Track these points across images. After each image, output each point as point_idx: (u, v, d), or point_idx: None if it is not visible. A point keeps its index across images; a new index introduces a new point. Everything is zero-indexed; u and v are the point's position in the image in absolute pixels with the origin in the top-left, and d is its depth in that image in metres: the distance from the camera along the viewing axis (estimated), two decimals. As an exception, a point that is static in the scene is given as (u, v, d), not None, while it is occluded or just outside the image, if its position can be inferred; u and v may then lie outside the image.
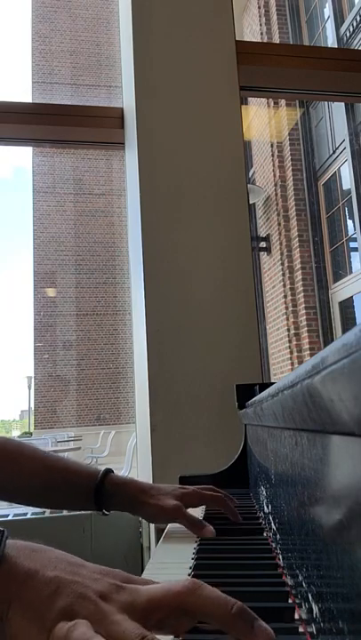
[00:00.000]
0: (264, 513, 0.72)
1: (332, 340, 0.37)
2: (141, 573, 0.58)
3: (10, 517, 1.54)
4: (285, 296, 6.76)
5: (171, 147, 1.65)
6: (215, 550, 0.63)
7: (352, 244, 6.28)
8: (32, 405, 7.64)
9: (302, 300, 6.56)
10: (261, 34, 7.44)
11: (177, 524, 0.76)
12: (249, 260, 1.63)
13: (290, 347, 6.59)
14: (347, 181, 6.17)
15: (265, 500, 0.70)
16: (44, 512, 1.48)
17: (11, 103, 1.79)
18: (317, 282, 6.54)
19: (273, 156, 7.13)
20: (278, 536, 0.58)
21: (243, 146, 1.72)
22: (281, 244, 6.89)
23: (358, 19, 5.83)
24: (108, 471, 0.77)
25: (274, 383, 0.52)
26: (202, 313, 1.56)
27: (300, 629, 0.40)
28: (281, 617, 0.42)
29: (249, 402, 0.83)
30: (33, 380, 7.60)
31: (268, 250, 7.21)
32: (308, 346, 6.43)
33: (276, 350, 6.93)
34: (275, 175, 7.08)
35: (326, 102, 6.24)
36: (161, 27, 1.72)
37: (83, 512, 1.30)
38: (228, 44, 1.75)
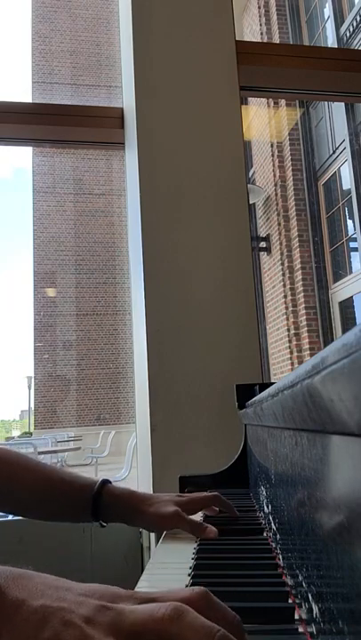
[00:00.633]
0: (264, 513, 0.72)
1: (332, 340, 0.37)
2: (141, 573, 0.58)
3: (10, 517, 1.54)
4: (285, 296, 6.76)
5: (171, 147, 1.65)
6: (215, 550, 0.63)
7: (352, 244, 6.28)
8: (32, 405, 7.65)
9: (302, 300, 6.56)
10: (261, 34, 7.44)
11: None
12: (249, 260, 1.63)
13: (290, 347, 6.59)
14: (347, 181, 6.17)
15: (265, 500, 0.70)
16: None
17: (11, 103, 1.78)
18: (317, 282, 6.54)
19: (273, 155, 7.14)
20: (278, 536, 0.58)
21: (243, 146, 1.72)
22: (281, 244, 6.89)
23: (358, 19, 5.83)
24: (106, 482, 0.76)
25: (274, 383, 0.52)
26: (202, 313, 1.56)
27: (300, 629, 0.40)
28: (282, 617, 0.42)
29: (249, 402, 0.83)
30: (33, 379, 7.61)
31: (268, 250, 7.21)
32: (308, 346, 6.43)
33: (276, 350, 6.93)
34: (275, 175, 7.08)
35: (326, 102, 6.24)
36: (161, 27, 1.72)
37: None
38: (228, 44, 1.75)
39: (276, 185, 7.05)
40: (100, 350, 7.50)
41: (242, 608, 0.44)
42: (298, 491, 0.43)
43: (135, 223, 1.67)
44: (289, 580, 0.48)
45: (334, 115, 6.32)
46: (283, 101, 7.00)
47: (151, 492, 1.42)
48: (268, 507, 0.67)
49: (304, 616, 0.41)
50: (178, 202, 1.62)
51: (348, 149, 5.95)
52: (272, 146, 7.18)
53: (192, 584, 0.50)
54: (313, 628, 0.38)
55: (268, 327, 7.16)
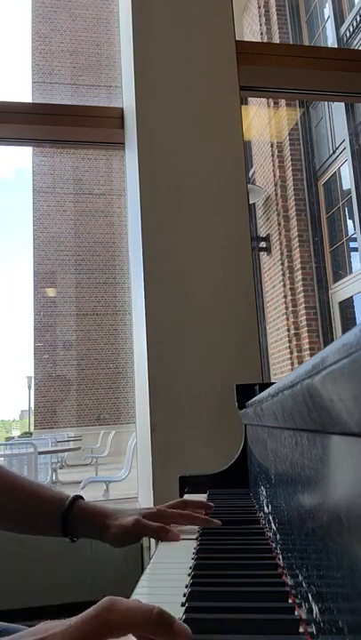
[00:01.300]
0: (264, 513, 0.72)
1: (332, 340, 0.37)
2: (141, 573, 0.58)
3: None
4: (285, 296, 6.76)
5: (171, 147, 1.65)
6: (215, 550, 0.63)
7: (352, 244, 6.28)
8: (32, 405, 7.65)
9: (302, 300, 6.56)
10: (261, 34, 7.44)
11: (177, 525, 0.76)
12: (249, 260, 1.63)
13: (290, 347, 6.59)
14: (347, 181, 6.17)
15: (265, 500, 0.70)
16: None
17: (11, 103, 1.79)
18: (317, 282, 6.54)
19: (273, 155, 7.14)
20: (278, 536, 0.58)
21: (243, 146, 1.72)
22: (281, 244, 6.89)
23: (358, 19, 5.83)
24: (77, 498, 0.77)
25: (274, 383, 0.52)
26: (202, 313, 1.56)
27: (301, 629, 0.40)
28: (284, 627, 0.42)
29: (249, 402, 0.83)
30: (33, 379, 7.60)
31: (268, 250, 7.21)
32: (308, 346, 6.43)
33: (276, 350, 6.93)
34: (275, 175, 7.08)
35: (326, 102, 6.24)
36: (161, 27, 1.72)
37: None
38: (228, 44, 1.75)
39: (276, 185, 7.05)
40: (100, 350, 7.50)
41: (242, 608, 0.44)
42: (298, 491, 0.43)
43: (135, 223, 1.66)
44: (289, 580, 0.48)
45: (334, 115, 6.32)
46: (283, 101, 7.00)
47: (151, 493, 1.42)
48: (268, 507, 0.68)
49: (304, 616, 0.41)
50: (178, 202, 1.62)
51: (348, 149, 5.95)
52: (272, 146, 7.18)
53: (192, 584, 0.50)
54: (313, 628, 0.38)
55: (268, 327, 7.16)
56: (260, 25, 7.46)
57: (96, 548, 1.52)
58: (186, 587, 0.50)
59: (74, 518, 0.75)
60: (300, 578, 0.43)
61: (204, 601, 0.46)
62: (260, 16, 7.51)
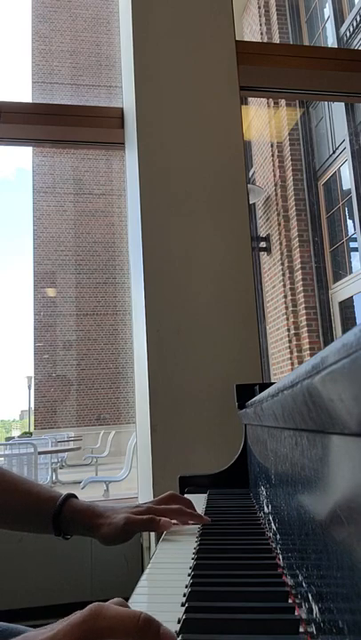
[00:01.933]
0: (264, 513, 0.72)
1: (332, 340, 0.37)
2: (141, 573, 0.58)
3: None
4: (285, 296, 6.76)
5: (171, 147, 1.65)
6: (215, 550, 0.63)
7: (352, 244, 6.28)
8: (32, 405, 7.65)
9: (302, 299, 6.56)
10: (261, 34, 7.44)
11: (177, 526, 0.76)
12: (249, 260, 1.63)
13: (290, 347, 6.59)
14: (347, 181, 6.17)
15: (265, 500, 0.70)
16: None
17: (11, 103, 1.79)
18: (317, 282, 6.54)
19: (273, 155, 7.14)
20: (278, 536, 0.58)
21: (243, 146, 1.72)
22: (281, 244, 6.89)
23: (358, 19, 5.83)
24: (69, 497, 0.77)
25: (274, 383, 0.52)
26: (202, 313, 1.56)
27: (301, 629, 0.40)
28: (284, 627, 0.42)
29: (249, 402, 0.83)
30: (33, 379, 7.61)
31: (268, 250, 7.21)
32: (308, 346, 6.43)
33: (276, 350, 6.93)
34: (275, 175, 7.08)
35: (326, 102, 6.24)
36: (161, 27, 1.72)
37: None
38: (228, 44, 1.75)
39: (276, 185, 7.05)
40: (100, 350, 7.50)
41: (242, 608, 0.44)
42: (298, 491, 0.43)
43: (135, 223, 1.67)
44: (289, 580, 0.48)
45: (334, 115, 6.32)
46: (283, 101, 7.01)
47: (151, 493, 1.42)
48: (268, 507, 0.68)
49: (304, 616, 0.41)
50: (178, 202, 1.62)
51: (348, 149, 5.95)
52: (272, 146, 7.18)
53: (192, 584, 0.50)
54: (313, 628, 0.38)
55: (268, 327, 7.16)
56: (260, 25, 7.46)
57: (96, 549, 1.52)
58: (186, 587, 0.50)
59: (65, 518, 0.76)
60: (300, 578, 0.43)
61: (204, 601, 0.46)
62: (260, 16, 7.51)
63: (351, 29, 6.00)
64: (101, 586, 1.50)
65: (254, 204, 7.38)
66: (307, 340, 6.45)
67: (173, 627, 0.39)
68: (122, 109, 1.90)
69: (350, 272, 6.20)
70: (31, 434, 7.53)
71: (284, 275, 6.80)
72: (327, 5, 6.61)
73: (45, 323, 7.62)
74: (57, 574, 1.51)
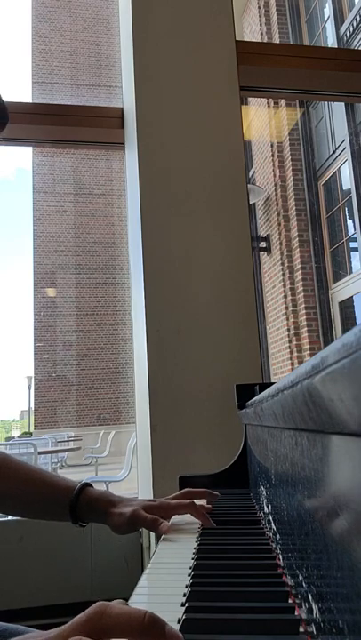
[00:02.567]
0: (264, 513, 0.72)
1: (332, 340, 0.37)
2: (141, 573, 0.58)
3: (10, 517, 1.54)
4: (285, 296, 6.76)
5: (171, 147, 1.65)
6: (215, 550, 0.63)
7: (352, 244, 6.28)
8: (32, 405, 7.65)
9: (302, 299, 6.56)
10: (261, 34, 7.44)
11: (178, 521, 0.76)
12: (249, 260, 1.63)
13: (290, 347, 6.59)
14: (347, 181, 6.17)
15: (265, 500, 0.70)
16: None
17: (11, 103, 1.78)
18: (317, 282, 6.54)
19: (273, 155, 7.14)
20: (278, 536, 0.58)
21: (243, 146, 1.72)
22: (281, 244, 6.89)
23: (358, 19, 5.83)
24: (85, 485, 0.80)
25: (274, 383, 0.52)
26: (202, 313, 1.56)
27: (301, 629, 0.40)
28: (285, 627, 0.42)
29: (249, 402, 0.83)
30: (33, 379, 7.61)
31: (268, 250, 7.21)
32: (308, 346, 6.43)
33: (276, 350, 6.93)
34: (275, 175, 7.08)
35: (326, 102, 6.24)
36: (161, 27, 1.72)
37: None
38: (228, 44, 1.75)
39: (276, 185, 7.05)
40: (100, 350, 7.50)
41: (242, 608, 0.44)
42: (298, 491, 0.43)
43: (135, 223, 1.67)
44: (289, 580, 0.48)
45: (334, 115, 6.32)
46: (283, 101, 7.01)
47: (151, 493, 1.42)
48: (268, 507, 0.67)
49: (304, 616, 0.41)
50: (178, 202, 1.62)
51: (348, 149, 5.95)
52: (272, 146, 7.18)
53: (192, 584, 0.50)
54: (313, 628, 0.38)
55: (268, 327, 7.16)
56: (260, 25, 7.46)
57: (96, 549, 1.52)
58: (186, 587, 0.50)
59: (81, 506, 0.78)
60: (300, 578, 0.43)
61: (204, 601, 0.46)
62: (260, 16, 7.51)
63: (351, 29, 6.00)
64: (101, 586, 1.50)
65: (254, 203, 7.38)
66: (307, 340, 6.45)
67: (173, 627, 0.39)
68: (122, 109, 1.90)
69: (350, 272, 6.20)
70: (31, 434, 7.53)
71: (284, 275, 6.80)
72: (327, 5, 6.61)
73: (45, 323, 7.63)
74: (57, 574, 1.51)
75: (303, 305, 6.54)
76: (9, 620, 0.75)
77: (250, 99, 6.53)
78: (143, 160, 1.63)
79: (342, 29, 6.17)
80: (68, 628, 0.35)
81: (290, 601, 0.45)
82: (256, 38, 7.52)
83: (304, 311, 6.53)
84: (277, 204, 7.03)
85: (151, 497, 1.42)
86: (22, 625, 0.74)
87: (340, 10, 6.32)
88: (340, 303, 6.33)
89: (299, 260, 6.66)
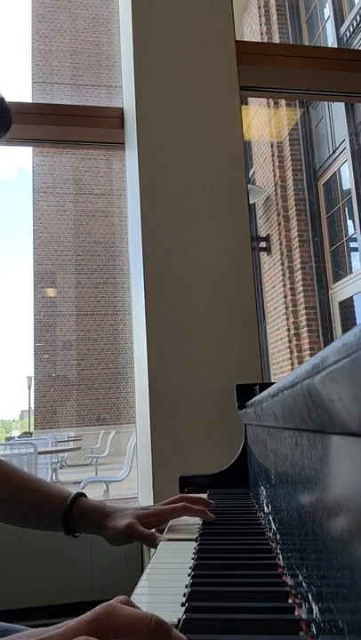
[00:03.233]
0: (264, 513, 0.72)
1: (332, 340, 0.37)
2: (141, 573, 0.58)
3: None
4: (285, 296, 6.76)
5: (171, 147, 1.65)
6: (215, 550, 0.63)
7: (352, 244, 6.28)
8: (32, 405, 7.65)
9: (302, 299, 6.56)
10: (261, 34, 7.44)
11: (177, 523, 0.76)
12: (249, 260, 1.63)
13: (290, 347, 6.59)
14: (347, 181, 6.17)
15: (265, 500, 0.70)
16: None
17: (11, 103, 1.78)
18: (317, 282, 6.54)
19: (273, 155, 7.14)
20: (278, 536, 0.58)
21: (243, 146, 1.72)
22: (281, 244, 6.89)
23: (358, 19, 5.83)
24: (79, 495, 0.79)
25: (274, 383, 0.52)
26: (202, 313, 1.56)
27: (301, 629, 0.40)
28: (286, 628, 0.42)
29: (249, 402, 0.83)
30: (33, 379, 7.61)
31: (268, 250, 7.21)
32: (308, 346, 6.43)
33: (276, 350, 6.93)
34: (275, 175, 7.08)
35: (326, 102, 6.24)
36: (161, 27, 1.72)
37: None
38: (228, 44, 1.75)
39: (276, 185, 7.06)
40: (100, 350, 7.50)
41: (242, 608, 0.44)
42: (298, 491, 0.43)
43: (135, 223, 1.67)
44: (289, 580, 0.48)
45: (334, 115, 6.32)
46: (283, 101, 7.01)
47: (151, 493, 1.42)
48: (268, 507, 0.67)
49: (304, 616, 0.41)
50: (178, 202, 1.62)
51: (348, 149, 5.95)
52: (272, 146, 7.18)
53: (192, 584, 0.50)
54: (313, 628, 0.38)
55: (268, 327, 7.16)
56: (260, 25, 7.46)
57: (96, 549, 1.52)
58: (186, 587, 0.50)
59: (74, 517, 0.77)
60: (300, 578, 0.43)
61: (204, 601, 0.46)
62: (260, 16, 7.51)
63: (351, 29, 6.00)
64: (101, 586, 1.50)
65: (254, 203, 7.39)
66: (307, 340, 6.45)
67: (173, 627, 0.39)
68: (122, 109, 1.90)
69: (350, 272, 6.20)
70: (31, 434, 7.53)
71: (284, 275, 6.80)
72: (327, 5, 6.61)
73: (45, 323, 7.63)
74: (57, 574, 1.50)
75: (303, 305, 6.54)
76: (9, 620, 0.75)
77: (250, 99, 6.53)
78: (143, 160, 1.63)
79: (342, 29, 6.17)
80: (74, 626, 0.35)
81: (290, 601, 0.45)
82: (256, 38, 7.52)
83: (304, 311, 6.53)
84: (277, 204, 7.03)
85: (151, 497, 1.42)
86: (22, 625, 0.74)
87: (340, 10, 6.32)
88: (340, 303, 6.33)
89: (299, 260, 6.66)
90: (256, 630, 0.40)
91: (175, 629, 0.37)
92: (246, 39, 7.69)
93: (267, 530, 0.68)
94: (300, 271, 6.64)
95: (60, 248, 7.70)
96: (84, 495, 0.80)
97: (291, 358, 6.55)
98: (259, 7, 7.54)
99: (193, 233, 1.60)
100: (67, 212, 7.80)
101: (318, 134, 6.79)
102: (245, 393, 0.97)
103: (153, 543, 0.71)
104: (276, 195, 7.04)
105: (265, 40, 7.29)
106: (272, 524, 0.63)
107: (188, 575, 0.54)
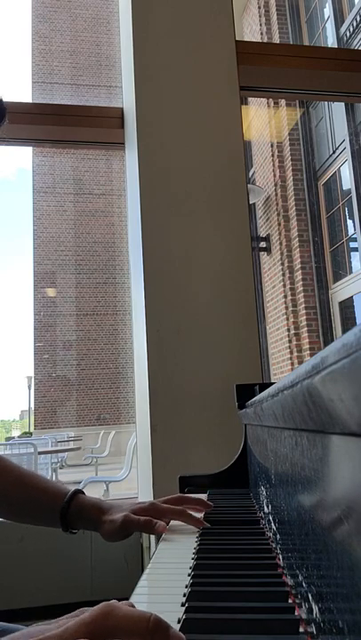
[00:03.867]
0: (264, 513, 0.72)
1: (332, 340, 0.37)
2: (141, 573, 0.58)
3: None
4: (285, 296, 6.76)
5: (171, 147, 1.65)
6: (215, 550, 0.63)
7: (352, 244, 6.28)
8: (32, 405, 7.65)
9: (302, 299, 6.56)
10: (261, 34, 7.44)
11: (178, 523, 0.76)
12: (249, 260, 1.63)
13: (290, 347, 6.58)
14: (347, 181, 6.16)
15: (265, 500, 0.70)
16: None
17: (11, 103, 1.78)
18: (317, 282, 6.54)
19: (273, 155, 7.13)
20: (278, 536, 0.58)
21: (243, 146, 1.72)
22: (281, 244, 6.89)
23: (358, 19, 5.83)
24: (77, 492, 0.79)
25: (274, 383, 0.52)
26: (202, 313, 1.56)
27: (301, 629, 0.40)
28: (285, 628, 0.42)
29: (249, 402, 0.83)
30: (33, 379, 7.60)
31: (268, 250, 7.21)
32: (308, 346, 6.43)
33: (276, 350, 6.93)
34: (275, 175, 7.08)
35: (326, 102, 6.24)
36: (161, 27, 1.72)
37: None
38: (228, 44, 1.75)
39: (276, 185, 7.05)
40: (100, 350, 7.50)
41: (242, 608, 0.44)
42: (298, 491, 0.43)
43: (135, 223, 1.67)
44: (289, 580, 0.48)
45: (334, 115, 6.32)
46: (283, 101, 7.00)
47: (151, 493, 1.42)
48: (268, 507, 0.67)
49: (304, 616, 0.41)
50: (178, 202, 1.62)
51: (348, 149, 5.95)
52: (272, 146, 7.18)
53: (192, 584, 0.50)
54: (313, 628, 0.38)
55: (268, 327, 7.16)
56: (260, 25, 7.46)
57: (96, 549, 1.52)
58: (186, 587, 0.50)
59: (72, 514, 0.78)
60: (300, 578, 0.43)
61: (204, 601, 0.46)
62: (260, 16, 7.51)
63: (351, 29, 6.00)
64: (101, 586, 1.50)
65: (254, 203, 7.38)
66: (307, 340, 6.45)
67: (173, 627, 0.39)
68: (122, 109, 1.90)
69: (350, 272, 6.20)
70: (31, 434, 7.53)
71: (284, 275, 6.80)
72: (327, 5, 6.61)
73: (45, 323, 7.62)
74: (57, 574, 1.51)
75: (303, 305, 6.54)
76: (9, 620, 0.75)
77: (250, 99, 6.53)
78: (143, 160, 1.63)
79: (342, 29, 6.17)
80: (73, 627, 0.35)
81: (290, 601, 0.45)
82: (256, 38, 7.52)
83: (304, 311, 6.53)
84: (277, 204, 7.02)
85: (151, 497, 1.42)
86: (22, 625, 0.74)
87: (340, 10, 6.32)
88: (340, 303, 6.33)
89: (299, 259, 6.66)
90: (256, 630, 0.40)
91: (174, 628, 0.37)
92: (246, 39, 7.69)
93: (267, 530, 0.68)
94: (300, 271, 6.63)
95: (60, 248, 7.70)
96: (82, 492, 0.80)
97: (291, 358, 6.55)
98: (259, 7, 7.54)
99: (193, 233, 1.60)
100: (67, 212, 7.80)
101: (318, 134, 6.78)
102: (245, 393, 0.97)
103: (152, 529, 0.71)
104: (276, 195, 7.04)
105: (265, 40, 7.29)
106: (272, 524, 0.63)
107: (188, 575, 0.54)
